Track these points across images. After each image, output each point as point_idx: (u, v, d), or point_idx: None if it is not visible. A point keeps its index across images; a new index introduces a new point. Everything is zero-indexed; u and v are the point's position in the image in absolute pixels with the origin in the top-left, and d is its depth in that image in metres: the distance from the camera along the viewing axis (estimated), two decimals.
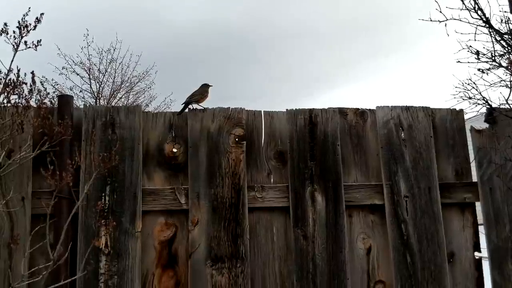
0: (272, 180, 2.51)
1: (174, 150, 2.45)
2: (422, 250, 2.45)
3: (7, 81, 2.02)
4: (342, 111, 2.60)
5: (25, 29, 2.05)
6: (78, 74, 14.63)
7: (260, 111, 2.56)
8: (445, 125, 2.63)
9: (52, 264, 1.99)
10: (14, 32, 2.03)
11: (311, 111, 2.55)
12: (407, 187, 2.50)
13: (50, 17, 2.16)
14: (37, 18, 2.08)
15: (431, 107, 2.63)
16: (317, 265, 2.38)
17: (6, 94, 2.03)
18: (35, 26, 2.07)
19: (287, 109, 2.55)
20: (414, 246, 2.45)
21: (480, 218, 2.55)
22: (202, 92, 2.57)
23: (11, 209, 2.20)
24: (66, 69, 14.37)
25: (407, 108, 2.60)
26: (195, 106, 2.51)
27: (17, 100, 2.08)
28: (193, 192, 2.39)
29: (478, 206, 2.56)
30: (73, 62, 14.54)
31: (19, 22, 2.04)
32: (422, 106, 2.62)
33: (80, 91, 14.65)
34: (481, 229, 2.55)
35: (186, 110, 2.49)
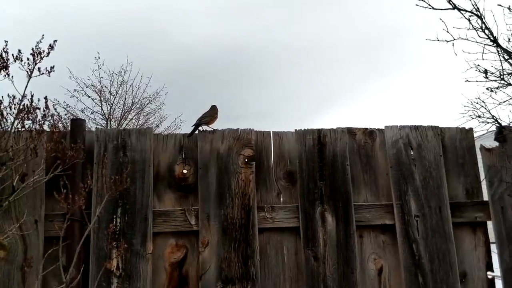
0: (281, 200, 2.52)
1: (184, 171, 2.47)
2: (434, 270, 2.43)
3: (21, 106, 2.07)
4: (350, 131, 2.61)
5: (39, 56, 2.10)
6: (89, 97, 14.81)
7: (269, 131, 2.58)
8: (455, 144, 2.63)
9: (65, 287, 2.01)
10: (28, 59, 2.08)
11: (319, 131, 2.56)
12: (417, 207, 2.49)
13: (61, 41, 2.21)
14: (50, 45, 2.13)
15: (440, 126, 2.64)
16: (329, 286, 2.37)
17: (20, 119, 2.07)
18: (48, 53, 2.12)
19: (295, 129, 2.57)
20: (426, 266, 2.43)
21: (492, 237, 2.53)
22: (212, 114, 2.60)
23: (25, 232, 2.23)
24: (78, 91, 14.57)
25: (416, 128, 2.61)
26: (205, 127, 2.54)
27: (31, 125, 2.12)
28: (203, 213, 2.40)
29: (490, 225, 2.54)
30: (85, 85, 14.74)
31: (33, 49, 2.09)
32: (431, 125, 2.62)
33: (92, 113, 14.83)
34: (493, 248, 2.53)
35: (196, 132, 2.52)
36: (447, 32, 2.58)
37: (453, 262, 2.45)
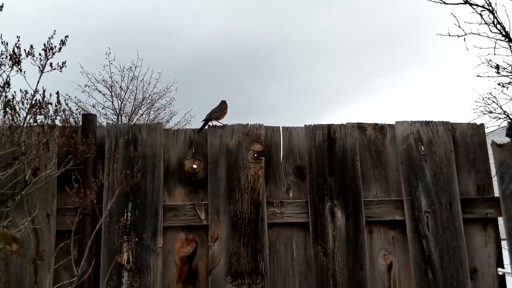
0: (291, 195, 2.52)
1: (194, 166, 2.48)
2: (444, 266, 2.42)
3: (33, 101, 2.08)
4: (361, 126, 2.60)
5: (51, 51, 2.11)
6: (100, 92, 14.99)
7: (279, 127, 2.58)
8: (466, 139, 2.61)
9: (76, 280, 2.03)
10: (40, 54, 2.10)
11: (329, 126, 2.56)
12: (428, 203, 2.48)
13: (73, 37, 2.22)
14: (62, 40, 2.14)
15: (451, 121, 2.62)
16: (338, 282, 2.37)
17: (32, 114, 2.09)
18: (60, 49, 2.13)
19: (305, 125, 2.56)
20: (436, 262, 2.42)
21: (502, 233, 2.51)
22: (222, 109, 2.61)
23: (37, 226, 2.26)
24: (89, 86, 14.72)
25: (427, 123, 2.59)
26: (214, 123, 2.55)
27: (43, 120, 2.15)
28: (213, 208, 2.41)
29: (501, 221, 2.52)
30: (96, 80, 14.90)
31: (44, 44, 2.10)
32: (442, 121, 2.60)
33: (103, 108, 15.01)
34: (504, 244, 2.51)
35: (206, 127, 2.52)
36: (459, 27, 2.56)
37: (463, 258, 2.44)
